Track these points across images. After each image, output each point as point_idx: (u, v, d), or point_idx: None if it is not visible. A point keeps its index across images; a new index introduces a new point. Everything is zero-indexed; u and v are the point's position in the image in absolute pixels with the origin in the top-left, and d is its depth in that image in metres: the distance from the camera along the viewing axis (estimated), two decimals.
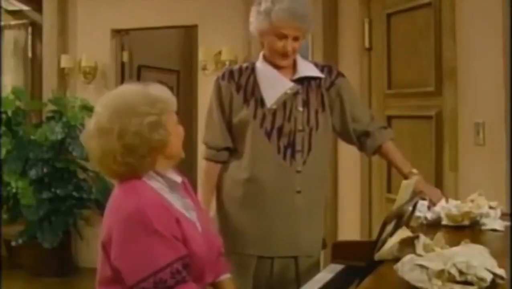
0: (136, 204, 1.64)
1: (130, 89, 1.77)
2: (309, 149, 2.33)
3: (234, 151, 2.38)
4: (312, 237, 2.38)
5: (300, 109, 2.33)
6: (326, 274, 1.95)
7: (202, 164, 2.48)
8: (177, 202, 1.77)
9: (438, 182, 3.16)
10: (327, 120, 2.38)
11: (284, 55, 2.30)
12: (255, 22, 2.32)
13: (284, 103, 2.32)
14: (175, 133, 1.77)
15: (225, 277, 1.93)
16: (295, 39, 2.29)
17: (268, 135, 2.30)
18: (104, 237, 1.69)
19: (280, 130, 2.30)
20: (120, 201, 1.70)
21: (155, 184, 1.74)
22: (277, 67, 2.34)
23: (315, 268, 2.35)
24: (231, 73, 2.40)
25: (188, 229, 1.71)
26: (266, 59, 2.37)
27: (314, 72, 2.38)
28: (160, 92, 1.78)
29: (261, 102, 2.32)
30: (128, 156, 1.68)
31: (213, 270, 1.84)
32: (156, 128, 1.70)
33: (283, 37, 2.27)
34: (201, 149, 2.49)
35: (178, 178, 1.83)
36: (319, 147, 2.35)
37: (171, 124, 1.76)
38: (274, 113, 2.31)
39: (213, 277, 1.86)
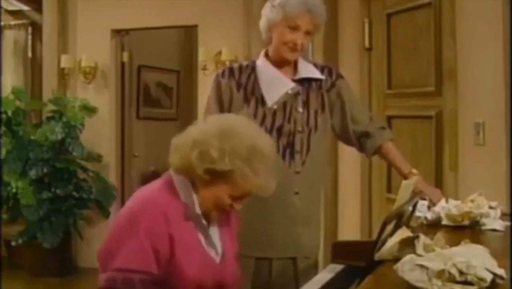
0: (139, 205, 1.66)
1: (264, 139, 1.74)
2: (308, 150, 2.32)
3: None
4: (310, 238, 2.38)
5: (300, 110, 2.32)
6: (326, 274, 1.95)
7: None
8: (194, 219, 1.72)
9: (438, 182, 3.16)
10: (326, 121, 2.38)
11: (294, 48, 2.28)
12: (268, 14, 2.30)
13: (285, 103, 2.31)
14: (219, 195, 1.69)
15: None
16: (307, 33, 2.28)
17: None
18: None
19: (280, 130, 2.29)
20: (136, 196, 1.72)
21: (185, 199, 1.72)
22: (279, 65, 2.34)
23: (313, 269, 2.34)
24: (231, 70, 2.39)
25: (182, 249, 1.67)
26: (268, 57, 2.37)
27: (315, 73, 2.38)
28: (267, 166, 1.70)
29: (261, 101, 2.31)
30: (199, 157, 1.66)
31: None
32: (235, 166, 1.65)
33: (296, 28, 2.25)
34: None
35: None
36: (318, 148, 2.35)
37: (234, 188, 1.69)
38: (274, 113, 2.30)
39: None
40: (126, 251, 1.61)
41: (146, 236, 1.61)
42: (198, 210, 1.71)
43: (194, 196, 1.71)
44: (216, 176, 1.67)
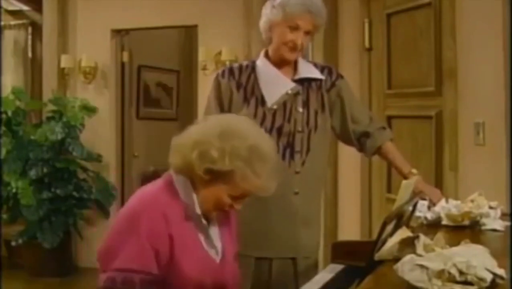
0: (140, 204, 1.66)
1: (268, 144, 1.73)
2: (308, 150, 2.32)
3: None
4: (310, 238, 2.38)
5: (300, 110, 2.32)
6: (326, 274, 1.95)
7: None
8: (193, 219, 1.72)
9: (438, 182, 3.17)
10: (326, 121, 2.38)
11: (293, 48, 2.28)
12: (268, 14, 2.30)
13: (285, 103, 2.32)
14: (218, 195, 1.69)
15: None
16: (306, 33, 2.28)
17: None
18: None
19: (280, 130, 2.30)
20: (136, 196, 1.73)
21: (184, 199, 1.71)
22: (279, 65, 2.34)
23: (313, 269, 2.35)
24: (231, 70, 2.39)
25: (182, 249, 1.67)
26: (268, 57, 2.37)
27: (315, 73, 2.38)
28: (267, 166, 1.69)
29: (261, 101, 2.32)
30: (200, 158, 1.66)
31: None
32: (235, 166, 1.64)
33: (296, 28, 2.26)
34: None
35: None
36: (318, 148, 2.35)
37: (234, 188, 1.68)
38: (274, 113, 2.30)
39: None
40: (126, 251, 1.61)
41: (147, 236, 1.61)
42: (198, 210, 1.71)
43: (194, 196, 1.70)
44: (216, 176, 1.66)
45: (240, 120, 1.77)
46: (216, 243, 1.78)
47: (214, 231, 1.79)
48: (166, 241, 1.64)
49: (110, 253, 1.64)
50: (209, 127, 1.70)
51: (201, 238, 1.74)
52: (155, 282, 1.63)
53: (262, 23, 2.35)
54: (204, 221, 1.74)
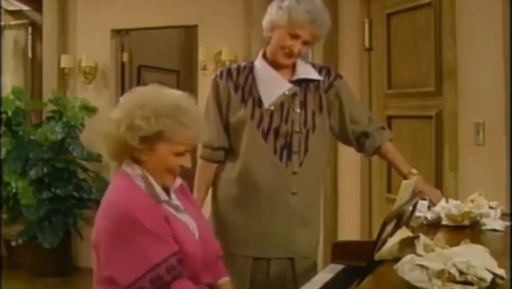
0: (124, 208, 1.66)
1: (178, 96, 1.81)
2: (306, 150, 2.32)
3: (230, 151, 2.37)
4: (309, 238, 2.38)
5: (298, 110, 2.32)
6: (326, 274, 1.95)
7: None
8: (164, 203, 1.77)
9: (438, 182, 3.17)
10: (324, 122, 2.37)
11: (289, 54, 2.28)
12: (273, 14, 2.29)
13: (282, 104, 2.31)
14: (163, 158, 1.74)
15: (224, 280, 1.93)
16: (305, 43, 2.28)
17: (265, 135, 2.29)
18: (93, 240, 1.74)
19: (277, 131, 2.29)
20: (109, 204, 1.72)
21: (142, 185, 1.75)
22: (276, 67, 2.34)
23: (312, 269, 2.34)
24: (229, 72, 2.39)
25: (178, 228, 1.72)
26: (265, 58, 2.36)
27: (313, 74, 2.37)
28: (191, 116, 1.76)
29: (259, 102, 2.31)
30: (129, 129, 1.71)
31: (211, 272, 1.84)
32: (162, 125, 1.70)
33: (295, 37, 2.26)
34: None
35: (178, 181, 1.84)
36: (316, 148, 2.34)
37: (172, 145, 1.74)
38: (271, 114, 2.30)
39: (211, 279, 1.86)
40: (151, 248, 1.63)
41: (154, 227, 1.65)
42: (164, 196, 1.75)
43: (149, 177, 1.74)
44: (151, 141, 1.72)
45: (149, 88, 1.84)
46: (189, 222, 1.82)
47: (185, 214, 1.83)
48: (165, 224, 1.68)
49: (134, 262, 1.63)
50: (125, 104, 1.76)
51: (177, 216, 1.78)
52: (183, 258, 1.68)
53: (265, 21, 2.34)
54: (175, 202, 1.79)
